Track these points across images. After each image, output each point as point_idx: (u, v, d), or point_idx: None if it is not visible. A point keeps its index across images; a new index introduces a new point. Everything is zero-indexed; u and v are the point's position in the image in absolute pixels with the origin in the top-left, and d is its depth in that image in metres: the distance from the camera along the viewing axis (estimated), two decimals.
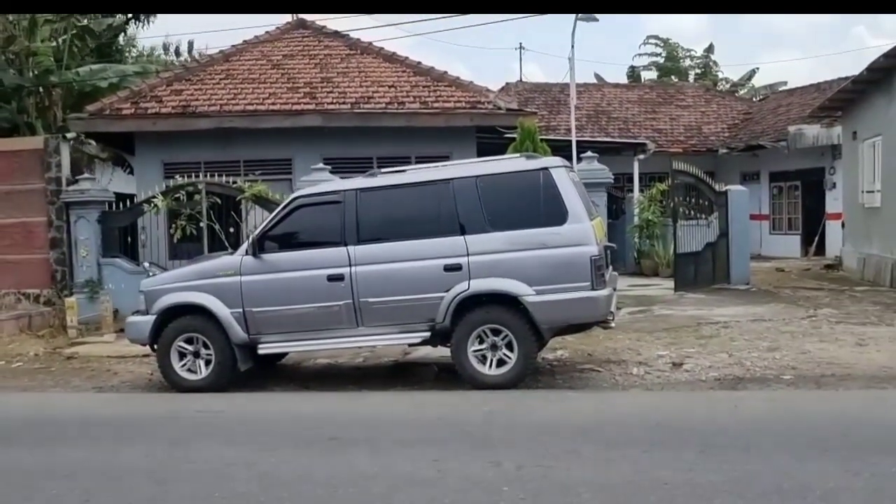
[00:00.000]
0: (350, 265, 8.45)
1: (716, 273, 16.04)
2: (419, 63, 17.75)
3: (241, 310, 8.67)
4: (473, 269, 8.21)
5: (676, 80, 36.99)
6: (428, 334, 8.48)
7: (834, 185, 22.98)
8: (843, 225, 20.38)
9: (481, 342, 8.30)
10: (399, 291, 8.37)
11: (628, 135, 25.36)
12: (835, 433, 6.18)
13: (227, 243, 14.56)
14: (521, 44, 40.56)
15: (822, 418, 6.76)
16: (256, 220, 14.52)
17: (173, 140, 15.94)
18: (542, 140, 14.48)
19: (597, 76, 38.02)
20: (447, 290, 8.26)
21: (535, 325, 8.19)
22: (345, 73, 17.29)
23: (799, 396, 7.68)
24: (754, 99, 32.49)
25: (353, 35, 18.84)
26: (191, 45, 31.06)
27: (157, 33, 39.31)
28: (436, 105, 16.30)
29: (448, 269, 8.26)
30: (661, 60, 38.72)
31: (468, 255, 8.23)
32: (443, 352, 9.55)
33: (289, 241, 8.75)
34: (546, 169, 8.38)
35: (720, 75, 38.95)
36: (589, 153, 15.43)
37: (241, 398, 8.57)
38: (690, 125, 26.93)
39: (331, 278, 8.47)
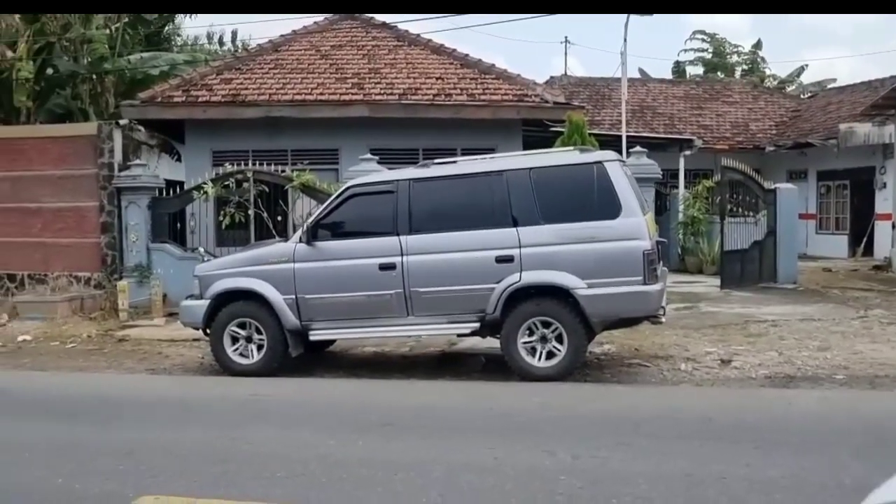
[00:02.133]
0: (402, 254, 8.51)
1: (762, 271, 15.87)
2: (466, 55, 17.78)
3: (293, 296, 8.77)
4: (525, 260, 8.23)
5: (723, 76, 36.59)
6: (477, 325, 8.52)
7: (884, 185, 22.59)
8: (893, 226, 20.04)
9: (531, 334, 8.32)
10: (450, 282, 8.42)
11: (673, 131, 25.11)
12: (893, 432, 6.12)
13: (274, 231, 14.76)
14: (566, 37, 40.22)
15: (878, 418, 6.68)
16: (303, 209, 14.72)
17: (222, 128, 16.13)
18: (589, 134, 14.43)
19: (641, 71, 37.70)
20: (498, 282, 8.29)
21: (585, 318, 8.20)
22: (392, 65, 17.37)
23: (853, 396, 7.60)
24: (803, 96, 32.06)
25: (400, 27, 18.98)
26: (234, 34, 31.43)
27: (201, 23, 39.60)
28: (483, 97, 16.32)
29: (500, 260, 8.29)
30: (708, 56, 38.31)
31: (520, 246, 8.25)
32: (490, 342, 9.63)
33: (342, 230, 8.82)
34: (600, 162, 8.37)
35: (768, 72, 38.45)
36: (638, 148, 15.36)
37: (293, 383, 8.68)
38: (737, 122, 26.62)
39: (382, 267, 8.54)
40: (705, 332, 11.05)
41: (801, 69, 37.87)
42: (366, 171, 13.88)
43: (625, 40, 19.46)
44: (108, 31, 18.64)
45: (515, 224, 8.33)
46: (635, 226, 8.17)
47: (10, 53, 16.50)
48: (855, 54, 64.14)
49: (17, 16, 16.54)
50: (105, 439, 6.39)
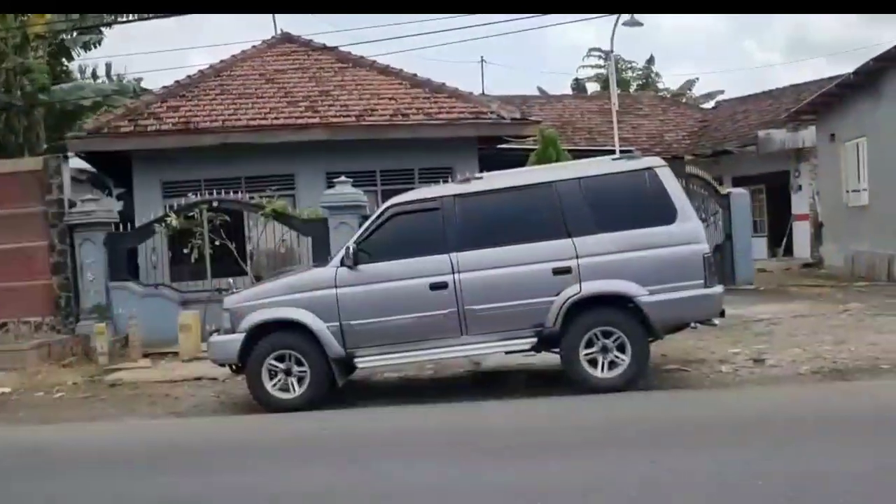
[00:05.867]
0: (453, 272, 8.26)
1: (723, 274, 16.29)
2: (415, 75, 17.58)
3: (337, 323, 8.36)
4: (584, 271, 8.12)
5: (619, 91, 37.62)
6: (535, 340, 8.33)
7: (800, 188, 23.75)
8: (821, 225, 21.04)
9: (589, 345, 8.19)
10: (506, 297, 8.21)
11: (595, 144, 25.61)
12: None
13: (241, 262, 14.16)
14: (482, 57, 40.43)
15: None
16: (275, 237, 14.18)
17: (172, 158, 15.40)
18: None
19: (539, 89, 38.46)
20: (557, 294, 8.14)
21: (648, 325, 8.15)
22: (342, 87, 17.02)
23: None
24: (700, 106, 33.38)
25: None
26: (108, 67, 29.59)
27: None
28: (440, 116, 16.18)
29: (557, 272, 8.15)
30: (604, 73, 39.37)
31: (577, 257, 8.14)
32: (518, 359, 9.51)
33: (385, 251, 8.48)
34: (651, 168, 8.42)
35: (661, 86, 39.88)
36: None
37: (348, 414, 8.31)
38: (652, 133, 27.46)
39: (433, 287, 8.26)
40: (714, 333, 10.98)
41: (691, 83, 39.52)
42: (341, 194, 13.59)
43: (611, 51, 19.99)
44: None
45: (569, 235, 8.22)
46: (693, 230, 8.23)
47: None
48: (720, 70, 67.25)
49: None
50: (233, 487, 5.81)
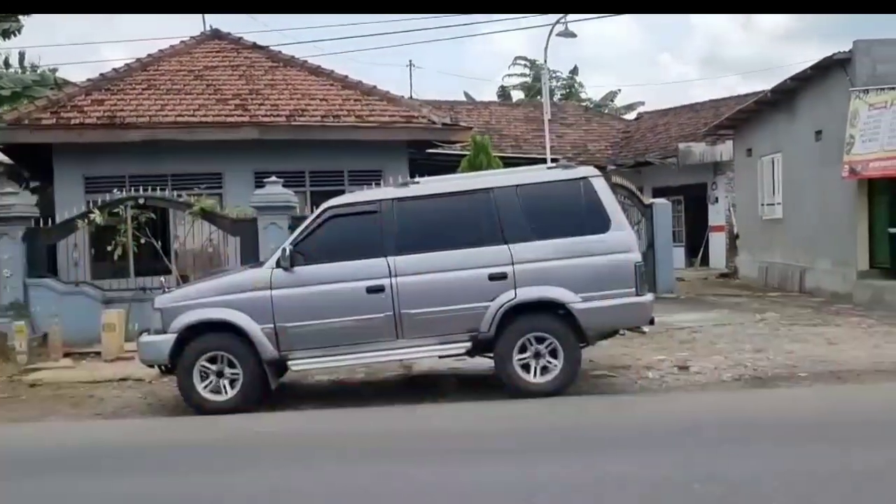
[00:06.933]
0: (390, 276, 8.29)
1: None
2: (346, 77, 17.56)
3: (272, 325, 8.30)
4: (519, 277, 8.25)
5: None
6: (469, 344, 8.42)
7: (716, 200, 24.51)
8: (736, 236, 21.74)
9: (523, 350, 8.32)
10: (443, 302, 8.28)
11: (521, 151, 25.96)
12: None
13: (167, 260, 13.93)
14: (410, 61, 40.39)
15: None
16: (201, 237, 13.99)
17: (96, 153, 15.06)
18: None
19: (466, 95, 38.78)
20: (492, 300, 8.25)
21: (580, 331, 8.32)
22: (272, 86, 16.89)
23: (839, 391, 8.19)
24: (622, 117, 34.12)
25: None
26: (22, 56, 28.60)
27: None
28: (371, 119, 16.20)
29: (493, 278, 8.26)
30: (529, 81, 39.93)
31: (513, 263, 8.26)
32: (449, 363, 9.62)
33: (322, 253, 8.45)
34: (586, 178, 8.60)
35: (583, 96, 40.63)
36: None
37: (281, 417, 8.24)
38: (576, 143, 27.95)
39: (370, 290, 8.27)
40: (639, 340, 11.21)
41: (613, 94, 40.36)
42: (271, 194, 13.48)
43: (545, 61, 20.04)
44: None
45: (506, 241, 8.34)
46: (625, 239, 8.44)
47: None
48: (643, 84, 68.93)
49: None
50: (173, 489, 5.70)
